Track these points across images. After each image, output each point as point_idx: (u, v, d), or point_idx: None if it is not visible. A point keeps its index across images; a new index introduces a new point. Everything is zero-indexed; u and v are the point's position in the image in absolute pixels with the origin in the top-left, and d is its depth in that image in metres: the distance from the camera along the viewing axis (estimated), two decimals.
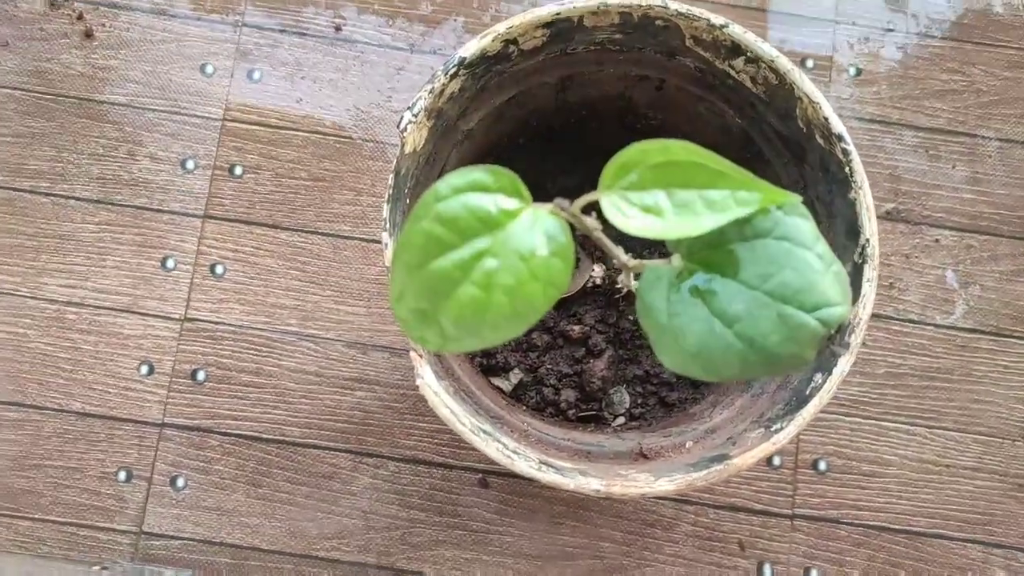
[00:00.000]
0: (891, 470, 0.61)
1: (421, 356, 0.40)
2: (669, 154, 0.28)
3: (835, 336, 0.28)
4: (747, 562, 0.60)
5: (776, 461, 0.61)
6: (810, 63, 0.69)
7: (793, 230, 0.28)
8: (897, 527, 0.61)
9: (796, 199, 0.28)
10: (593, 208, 0.30)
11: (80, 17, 0.66)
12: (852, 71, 0.69)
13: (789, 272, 0.28)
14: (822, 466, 0.61)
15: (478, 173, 0.27)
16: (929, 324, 0.64)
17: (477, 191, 0.27)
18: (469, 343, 0.28)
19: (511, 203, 0.28)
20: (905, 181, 0.67)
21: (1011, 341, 0.64)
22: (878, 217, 0.66)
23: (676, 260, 0.30)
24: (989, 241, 0.66)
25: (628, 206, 0.28)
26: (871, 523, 0.61)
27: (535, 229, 0.27)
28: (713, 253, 0.29)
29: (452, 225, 0.27)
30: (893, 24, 0.70)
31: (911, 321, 0.64)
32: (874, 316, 0.64)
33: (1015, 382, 0.63)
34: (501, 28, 0.43)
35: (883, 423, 0.62)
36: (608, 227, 0.30)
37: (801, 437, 0.62)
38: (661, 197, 0.28)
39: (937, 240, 0.66)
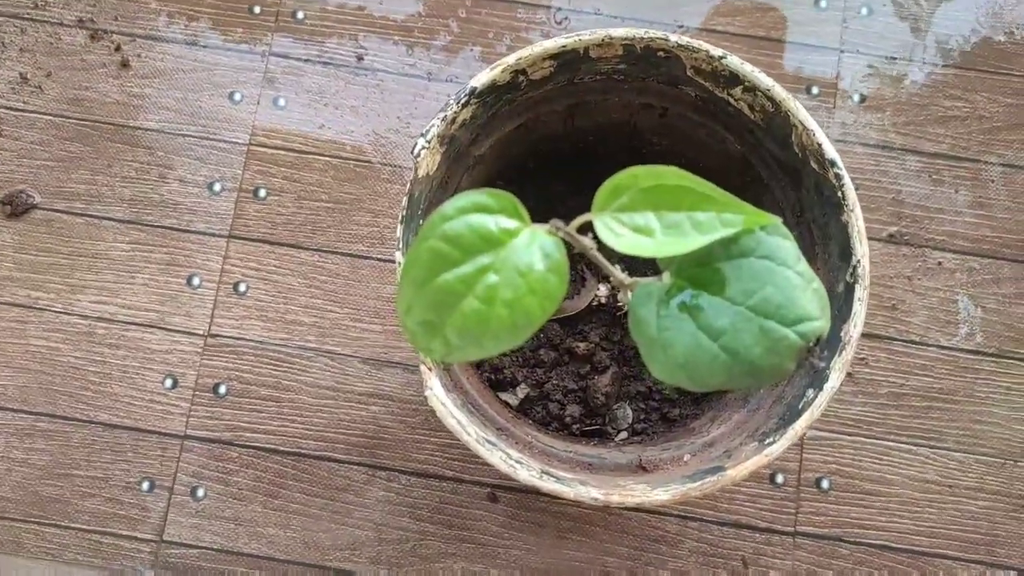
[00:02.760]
0: (894, 489, 0.62)
1: (431, 369, 0.42)
2: (659, 178, 0.30)
3: (815, 349, 0.30)
4: None
5: (779, 479, 0.62)
6: (815, 89, 0.71)
7: (775, 249, 0.30)
8: (900, 546, 0.61)
9: (777, 220, 0.30)
10: (590, 229, 0.32)
11: (118, 48, 0.70)
12: (856, 98, 0.71)
13: (771, 289, 0.30)
14: (825, 484, 0.62)
15: (481, 196, 0.29)
16: (931, 345, 0.65)
17: (480, 212, 0.29)
18: (472, 352, 0.30)
19: (511, 223, 0.30)
20: (908, 205, 0.68)
21: (1013, 363, 0.65)
22: (881, 240, 0.68)
23: (666, 277, 0.32)
24: (991, 264, 0.67)
25: (619, 226, 0.30)
26: (873, 542, 0.61)
27: (533, 247, 0.30)
28: (700, 271, 0.31)
29: (457, 243, 0.29)
30: (897, 53, 0.72)
31: (913, 342, 0.65)
32: (876, 337, 0.66)
33: (1018, 403, 0.64)
34: (511, 60, 0.45)
35: (886, 443, 0.63)
36: (605, 247, 0.32)
37: (804, 456, 0.63)
38: (651, 218, 0.30)
39: (940, 263, 0.67)
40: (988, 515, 0.62)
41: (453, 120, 0.45)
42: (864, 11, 0.73)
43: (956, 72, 0.71)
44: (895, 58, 0.72)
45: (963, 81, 0.71)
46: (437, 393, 0.41)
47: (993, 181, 0.69)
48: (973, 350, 0.65)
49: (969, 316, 0.66)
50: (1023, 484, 0.62)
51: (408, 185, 0.44)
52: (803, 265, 0.30)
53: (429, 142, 0.44)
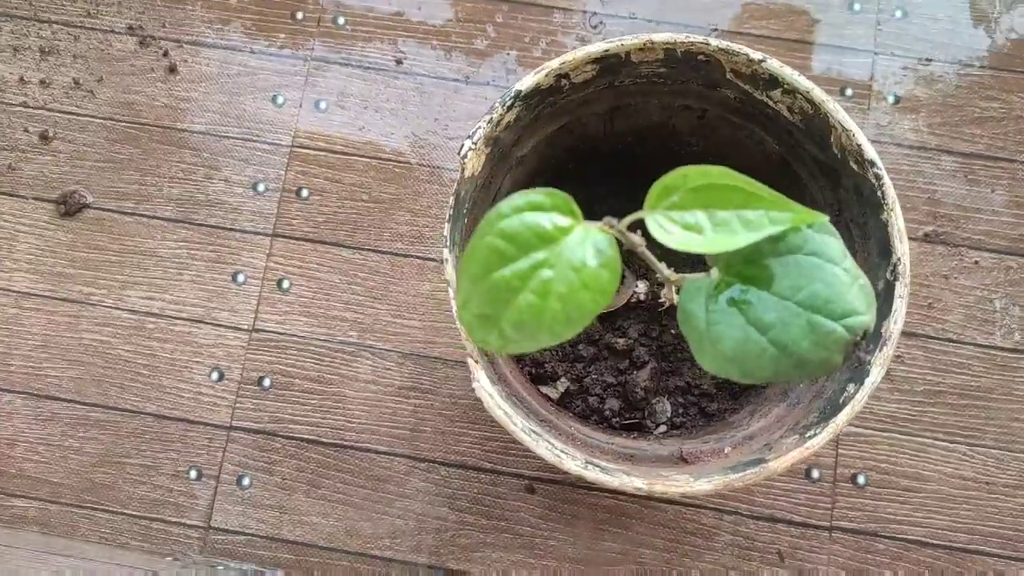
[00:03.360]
0: (930, 486, 0.63)
1: (477, 362, 0.43)
2: (708, 178, 0.31)
3: (861, 342, 0.31)
4: (786, 572, 0.61)
5: (815, 474, 0.63)
6: (849, 91, 0.71)
7: (822, 246, 0.31)
8: (936, 542, 0.62)
9: (824, 218, 0.31)
10: (639, 226, 0.33)
11: (166, 54, 0.72)
12: (891, 99, 0.71)
13: (819, 284, 0.31)
14: (861, 480, 0.63)
15: (535, 195, 0.31)
16: (968, 343, 0.66)
17: (535, 210, 0.31)
18: (527, 345, 0.31)
19: (565, 220, 0.31)
20: (944, 204, 0.69)
21: None
22: (916, 239, 0.68)
23: (714, 273, 0.33)
24: None
25: (671, 224, 0.31)
26: (910, 537, 0.62)
27: (586, 244, 0.31)
28: (749, 267, 0.32)
29: (512, 240, 0.31)
30: (932, 55, 0.72)
31: (950, 340, 0.66)
32: (913, 335, 0.66)
33: None
34: (555, 64, 0.47)
35: (922, 440, 0.64)
36: (651, 245, 0.33)
37: (840, 452, 0.64)
38: (701, 216, 0.31)
39: (976, 262, 0.67)
40: None
41: (499, 122, 0.47)
42: (899, 13, 0.73)
43: (992, 73, 0.72)
44: (930, 60, 0.72)
45: (999, 82, 0.71)
46: (484, 385, 0.42)
47: None
48: (1011, 348, 0.65)
49: (1007, 314, 0.66)
50: None
51: (454, 185, 0.46)
52: (849, 262, 0.31)
53: (476, 144, 0.46)
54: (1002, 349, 0.65)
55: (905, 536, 0.62)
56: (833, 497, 0.63)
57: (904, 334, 0.66)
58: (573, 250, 0.31)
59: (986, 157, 0.70)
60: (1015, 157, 0.70)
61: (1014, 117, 0.70)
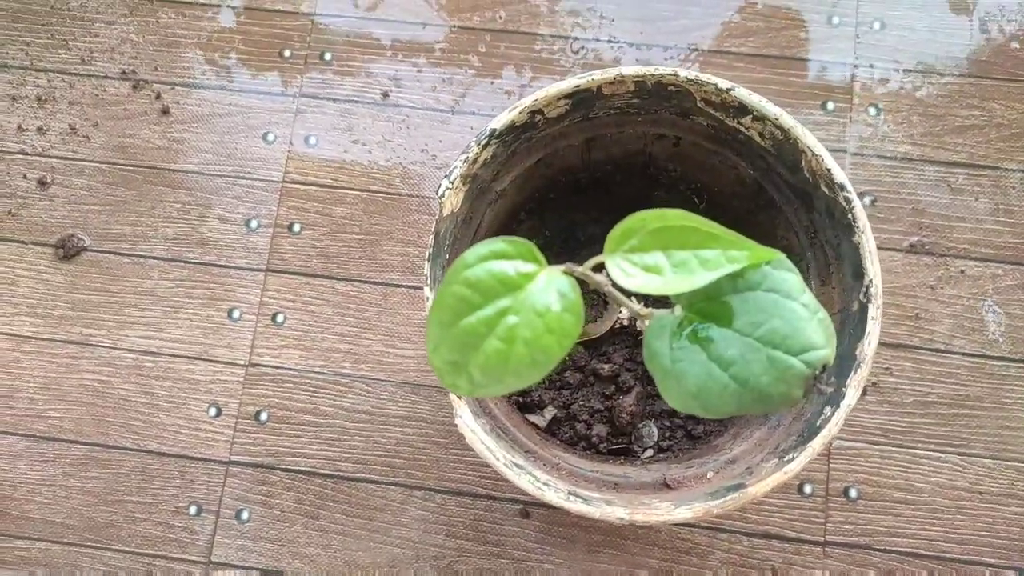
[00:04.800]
0: (923, 497, 0.63)
1: (460, 398, 0.44)
2: (665, 220, 0.32)
3: (821, 376, 0.31)
4: None
5: (807, 489, 0.63)
6: (831, 105, 0.72)
7: (780, 282, 0.32)
8: (931, 553, 0.62)
9: (781, 256, 0.32)
10: (604, 266, 0.34)
11: (158, 97, 0.74)
12: (872, 111, 0.72)
13: (777, 320, 0.32)
14: (853, 494, 0.63)
15: (499, 243, 0.32)
16: (957, 353, 0.66)
17: (499, 259, 0.32)
18: (494, 389, 0.32)
19: (528, 267, 0.32)
20: (928, 215, 0.69)
21: None
22: (902, 250, 0.68)
23: (678, 310, 0.34)
24: (1015, 270, 0.67)
25: (631, 266, 0.32)
26: (904, 550, 0.62)
27: (549, 289, 0.32)
28: (710, 304, 0.33)
29: (477, 288, 0.32)
30: (911, 65, 0.73)
31: (938, 351, 0.66)
32: (901, 347, 0.66)
33: None
34: (527, 101, 0.48)
35: (913, 451, 0.64)
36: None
37: (832, 466, 0.64)
38: (660, 258, 0.32)
39: (962, 271, 0.68)
40: (1020, 521, 0.62)
41: (475, 160, 0.48)
42: (877, 25, 0.74)
43: (972, 81, 0.72)
44: (909, 70, 0.72)
45: (979, 90, 0.72)
46: (467, 420, 0.43)
47: (1014, 188, 0.69)
48: (999, 356, 0.66)
49: (994, 323, 0.66)
50: None
51: (434, 223, 0.47)
52: (808, 296, 0.32)
53: (452, 182, 0.47)
54: (990, 357, 0.66)
55: (899, 549, 0.62)
56: (826, 512, 0.63)
57: (892, 346, 0.66)
58: (537, 296, 0.32)
59: (969, 166, 0.70)
60: (998, 165, 0.70)
61: (995, 124, 0.71)
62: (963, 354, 0.66)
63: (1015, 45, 0.73)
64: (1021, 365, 0.65)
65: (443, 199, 0.47)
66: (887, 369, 0.66)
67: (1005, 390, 0.65)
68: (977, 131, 0.71)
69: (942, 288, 0.67)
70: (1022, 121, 0.71)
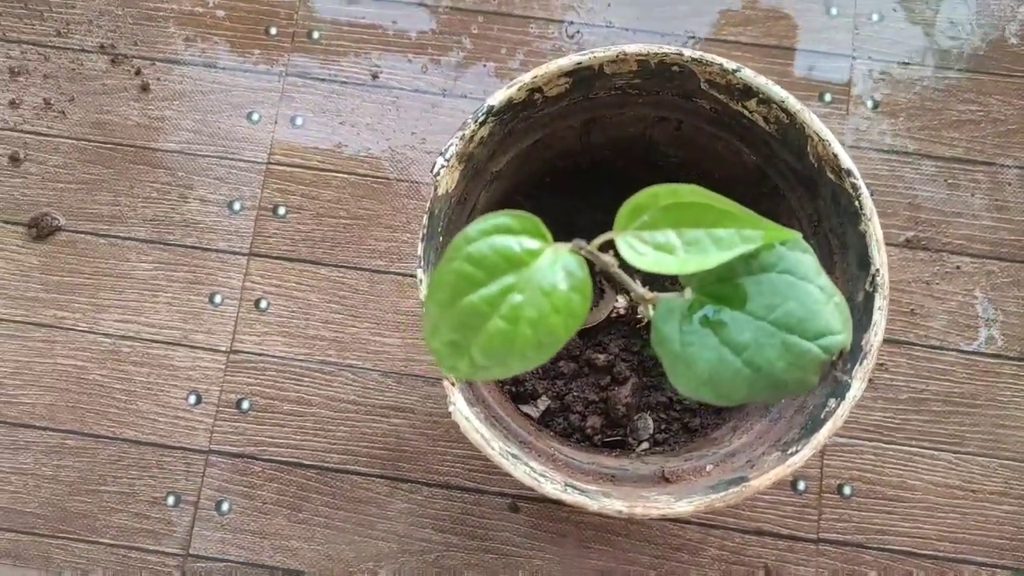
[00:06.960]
0: (916, 495, 0.62)
1: (454, 384, 0.42)
2: (678, 196, 0.30)
3: (837, 362, 0.30)
4: None
5: (801, 486, 0.62)
6: (828, 96, 0.71)
7: (796, 264, 0.31)
8: (923, 552, 0.61)
9: (797, 235, 0.31)
10: (611, 245, 0.32)
11: (138, 72, 0.71)
12: (870, 104, 0.71)
13: (793, 303, 0.30)
14: (847, 491, 0.62)
15: (503, 217, 0.30)
16: (952, 350, 0.65)
17: (503, 233, 0.30)
18: (497, 372, 0.31)
19: (534, 243, 0.30)
20: (924, 210, 0.68)
21: None
22: (898, 245, 0.68)
23: (688, 293, 0.32)
24: (1011, 267, 0.67)
25: (641, 244, 0.30)
26: (897, 548, 0.61)
27: (556, 266, 0.30)
28: (722, 286, 0.31)
29: (481, 264, 0.30)
30: (909, 58, 0.72)
31: (933, 347, 0.65)
32: (896, 343, 0.66)
33: None
34: (527, 78, 0.46)
35: (907, 448, 0.63)
36: (625, 263, 0.33)
37: (825, 462, 0.63)
38: (672, 236, 0.31)
39: (958, 267, 0.67)
40: (1013, 520, 0.61)
41: (471, 138, 0.46)
42: (875, 17, 0.73)
43: (969, 76, 0.71)
44: (907, 63, 0.72)
45: (976, 84, 0.71)
46: (461, 408, 0.41)
47: (1010, 184, 0.69)
48: (994, 354, 0.65)
49: (989, 319, 0.66)
50: None
51: (428, 203, 0.45)
52: (824, 279, 0.31)
53: (448, 160, 0.45)
54: (985, 355, 0.65)
55: (892, 547, 0.61)
56: (819, 509, 0.62)
57: (887, 341, 0.66)
58: (543, 273, 0.30)
59: (965, 161, 0.70)
60: (993, 160, 0.69)
61: (991, 120, 0.70)
62: (958, 351, 0.65)
63: (1013, 41, 0.72)
64: (1016, 363, 0.65)
65: (438, 177, 0.45)
66: (882, 365, 0.65)
67: (999, 388, 0.64)
68: (973, 126, 0.70)
69: (937, 284, 0.67)
70: (1018, 117, 0.70)
